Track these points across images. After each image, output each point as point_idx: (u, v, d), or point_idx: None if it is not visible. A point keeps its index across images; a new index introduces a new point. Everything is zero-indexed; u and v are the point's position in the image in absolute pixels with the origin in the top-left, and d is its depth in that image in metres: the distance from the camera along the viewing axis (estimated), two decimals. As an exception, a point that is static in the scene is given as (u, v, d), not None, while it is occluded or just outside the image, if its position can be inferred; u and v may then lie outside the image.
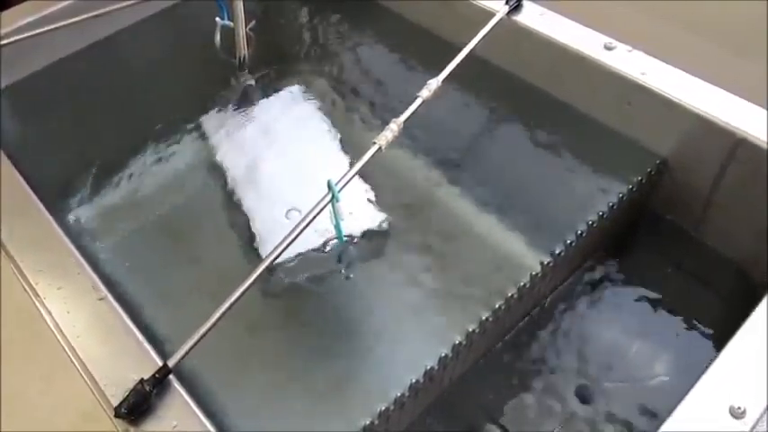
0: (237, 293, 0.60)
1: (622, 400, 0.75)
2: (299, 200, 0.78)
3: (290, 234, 0.64)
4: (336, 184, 0.66)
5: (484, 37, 0.80)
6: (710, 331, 0.78)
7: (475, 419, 0.74)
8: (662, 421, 0.72)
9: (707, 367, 0.72)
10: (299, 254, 0.73)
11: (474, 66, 0.79)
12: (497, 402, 0.75)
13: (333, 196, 0.66)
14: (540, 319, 0.80)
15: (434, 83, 0.75)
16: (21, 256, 0.65)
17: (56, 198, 0.77)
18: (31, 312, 0.62)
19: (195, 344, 0.57)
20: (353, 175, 0.68)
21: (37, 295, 0.63)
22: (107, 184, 0.81)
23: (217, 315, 0.58)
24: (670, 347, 0.78)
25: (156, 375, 0.55)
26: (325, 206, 0.66)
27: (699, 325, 0.78)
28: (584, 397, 0.75)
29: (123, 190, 0.81)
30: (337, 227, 0.70)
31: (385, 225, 0.76)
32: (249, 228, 0.76)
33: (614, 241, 0.83)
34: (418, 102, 0.74)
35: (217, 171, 0.83)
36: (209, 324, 0.58)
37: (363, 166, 0.69)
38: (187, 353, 0.57)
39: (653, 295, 0.81)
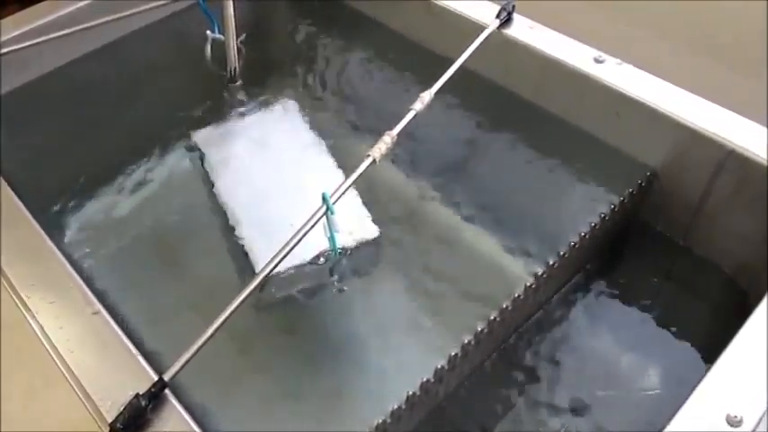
0: (232, 307, 0.59)
1: (614, 411, 0.75)
2: (292, 212, 0.77)
3: (284, 247, 0.63)
4: (331, 197, 0.66)
5: (475, 50, 0.80)
6: (701, 340, 0.78)
7: (464, 430, 0.74)
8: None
9: (703, 376, 0.73)
10: (293, 267, 0.72)
11: (465, 79, 0.80)
12: (490, 414, 0.74)
13: (327, 208, 0.66)
14: (530, 330, 0.80)
15: (427, 95, 0.75)
16: (12, 270, 0.64)
17: (47, 211, 0.76)
18: (13, 326, 0.61)
19: (191, 358, 0.57)
20: (348, 188, 0.68)
21: (28, 309, 0.62)
22: (99, 198, 0.80)
23: (212, 329, 0.58)
24: (660, 357, 0.78)
25: (152, 389, 0.55)
26: (319, 219, 0.66)
27: (689, 334, 0.79)
28: (575, 408, 0.75)
29: (114, 203, 0.80)
30: (332, 239, 0.70)
31: (378, 238, 0.76)
32: (241, 243, 0.76)
33: (604, 251, 0.84)
34: (411, 114, 0.74)
35: (208, 185, 0.82)
36: (204, 338, 0.57)
37: (357, 179, 0.69)
38: (183, 367, 0.56)
39: (643, 305, 0.81)
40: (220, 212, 0.79)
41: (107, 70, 0.96)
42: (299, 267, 0.73)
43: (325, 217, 0.66)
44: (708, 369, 0.75)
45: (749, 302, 0.78)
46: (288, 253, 0.63)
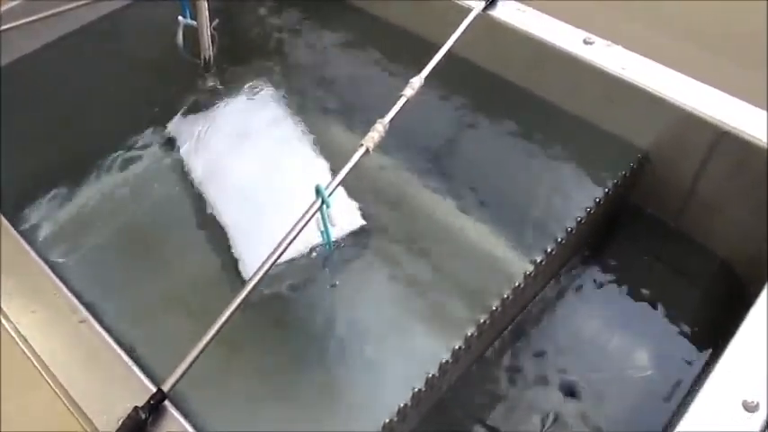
0: (228, 313, 0.56)
1: (606, 393, 0.74)
2: (276, 203, 0.75)
3: (280, 244, 0.61)
4: (325, 189, 0.64)
5: (463, 33, 0.78)
6: (695, 322, 0.78)
7: (465, 422, 0.72)
8: (648, 413, 0.73)
9: (696, 358, 0.73)
10: (284, 261, 0.69)
11: (453, 64, 0.77)
12: (487, 403, 0.73)
13: (323, 202, 0.63)
14: (524, 317, 0.79)
15: (417, 81, 0.73)
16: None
17: (19, 213, 0.71)
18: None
19: (189, 367, 0.54)
20: (342, 179, 0.66)
21: (8, 320, 0.58)
22: (72, 197, 0.76)
23: (209, 336, 0.55)
24: (652, 340, 0.78)
25: (151, 401, 0.52)
26: (315, 212, 0.63)
27: (683, 316, 0.79)
28: (569, 392, 0.75)
29: (90, 202, 0.76)
30: (326, 233, 0.67)
31: (366, 228, 0.73)
32: (227, 237, 0.73)
33: (596, 236, 0.83)
34: (402, 101, 0.71)
35: (189, 179, 0.79)
36: (201, 345, 0.54)
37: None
38: (181, 376, 0.53)
39: (635, 288, 0.81)
40: (200, 207, 0.76)
41: (71, 61, 0.91)
42: (290, 262, 0.70)
43: (320, 210, 0.64)
44: (700, 351, 0.76)
45: (743, 285, 0.78)
46: (284, 251, 0.60)
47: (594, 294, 0.82)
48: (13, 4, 0.85)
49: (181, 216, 0.76)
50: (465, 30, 0.78)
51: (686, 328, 0.78)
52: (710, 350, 0.75)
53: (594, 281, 0.82)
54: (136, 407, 0.51)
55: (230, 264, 0.70)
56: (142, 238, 0.73)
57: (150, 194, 0.78)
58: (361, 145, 0.68)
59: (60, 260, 0.67)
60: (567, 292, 0.81)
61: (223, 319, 0.56)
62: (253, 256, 0.70)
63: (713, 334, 0.76)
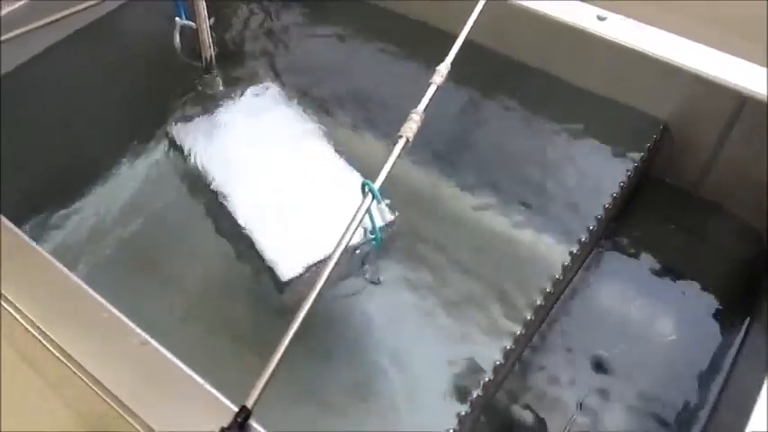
0: (302, 315, 0.54)
1: (640, 366, 0.75)
2: (302, 204, 0.73)
3: (339, 243, 0.58)
4: (374, 184, 0.62)
5: (477, 18, 0.76)
6: (720, 287, 0.79)
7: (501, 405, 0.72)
8: (684, 382, 0.74)
9: (750, 327, 0.74)
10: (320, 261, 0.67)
11: (467, 50, 0.76)
12: (527, 385, 0.73)
13: (374, 197, 0.61)
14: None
15: (444, 68, 0.71)
16: (27, 307, 0.55)
17: (41, 233, 0.67)
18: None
19: (269, 380, 0.51)
20: (387, 173, 0.64)
21: (58, 348, 0.53)
22: (92, 211, 0.72)
23: (285, 343, 0.52)
24: (682, 308, 0.79)
25: (237, 419, 0.49)
26: (367, 209, 0.61)
27: (708, 281, 0.79)
28: (601, 366, 0.75)
29: (109, 215, 0.73)
30: (374, 228, 0.65)
31: (402, 226, 0.72)
32: (253, 242, 0.70)
33: (619, 208, 0.84)
34: (433, 89, 0.70)
35: (204, 184, 0.76)
36: (279, 353, 0.52)
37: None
38: (262, 391, 0.51)
39: (661, 258, 0.81)
40: (220, 212, 0.73)
41: (70, 66, 0.86)
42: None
43: (369, 206, 0.62)
44: (733, 316, 0.77)
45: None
46: (346, 245, 0.58)
47: (621, 266, 0.82)
48: (12, 7, 0.79)
49: (201, 223, 0.74)
50: (479, 14, 0.77)
51: (715, 294, 0.79)
52: (743, 314, 0.76)
53: (619, 252, 0.82)
54: (223, 427, 0.48)
55: (263, 268, 0.68)
56: (173, 250, 0.72)
57: (168, 201, 0.76)
58: (401, 136, 0.66)
59: (99, 282, 0.62)
60: (591, 265, 0.81)
61: (297, 323, 0.53)
62: (286, 257, 0.69)
63: (742, 297, 0.78)
